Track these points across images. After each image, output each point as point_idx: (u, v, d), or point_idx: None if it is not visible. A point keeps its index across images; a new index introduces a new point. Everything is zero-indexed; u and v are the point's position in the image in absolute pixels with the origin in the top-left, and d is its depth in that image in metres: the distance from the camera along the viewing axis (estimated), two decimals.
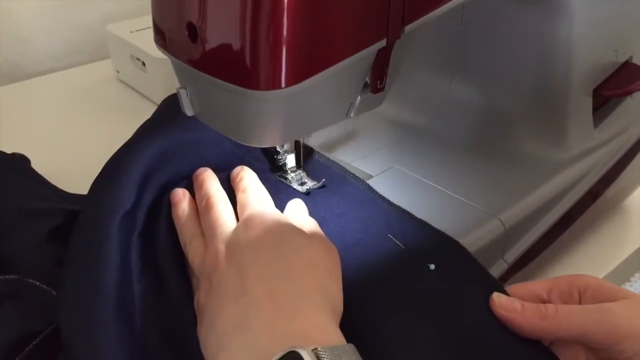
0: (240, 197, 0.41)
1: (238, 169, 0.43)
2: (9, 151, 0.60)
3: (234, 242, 0.36)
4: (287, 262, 0.34)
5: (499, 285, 0.38)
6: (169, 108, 0.47)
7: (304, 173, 0.46)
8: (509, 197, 0.46)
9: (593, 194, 0.53)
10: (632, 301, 0.33)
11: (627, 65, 0.54)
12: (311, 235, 0.37)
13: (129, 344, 0.35)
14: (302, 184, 0.45)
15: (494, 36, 0.50)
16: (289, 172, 0.46)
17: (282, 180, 0.45)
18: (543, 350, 0.35)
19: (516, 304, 0.34)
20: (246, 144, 0.38)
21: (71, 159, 0.66)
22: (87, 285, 0.36)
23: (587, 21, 0.47)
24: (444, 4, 0.36)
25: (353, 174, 0.46)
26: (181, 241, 0.40)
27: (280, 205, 0.41)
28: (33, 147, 0.66)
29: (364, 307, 0.36)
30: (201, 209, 0.40)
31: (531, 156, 0.50)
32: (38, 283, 0.41)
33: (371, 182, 0.46)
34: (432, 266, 0.38)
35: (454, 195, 0.46)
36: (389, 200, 0.43)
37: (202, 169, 0.44)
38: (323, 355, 0.28)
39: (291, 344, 0.28)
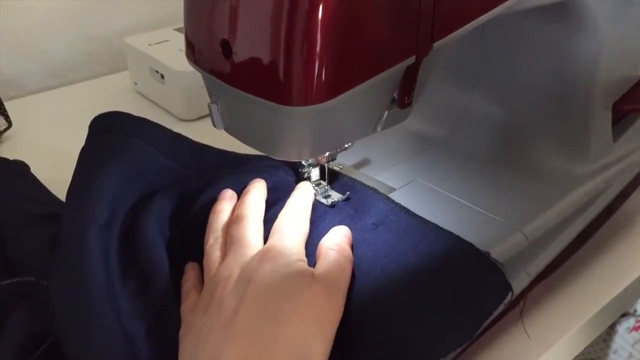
0: (280, 214, 0.42)
1: (300, 185, 0.45)
2: (27, 162, 0.61)
3: (246, 270, 0.38)
4: (278, 304, 0.35)
5: None
6: (109, 133, 0.48)
7: (329, 186, 0.46)
8: (531, 210, 0.46)
9: (612, 207, 0.53)
10: None
11: None
12: (318, 277, 0.37)
13: (117, 340, 0.37)
14: (327, 196, 0.45)
15: (514, 50, 0.50)
16: (314, 185, 0.46)
17: None
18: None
19: None
20: (275, 158, 0.38)
21: None
22: (75, 292, 0.39)
23: (607, 37, 0.48)
24: (471, 21, 0.36)
25: (376, 189, 0.47)
26: (206, 236, 0.42)
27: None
28: (50, 158, 0.66)
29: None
30: (233, 218, 0.42)
31: (551, 170, 0.50)
32: None
33: (394, 195, 0.47)
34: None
35: (477, 208, 0.46)
36: (413, 213, 0.44)
37: (258, 179, 0.45)
38: None
39: None
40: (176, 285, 0.41)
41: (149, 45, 0.79)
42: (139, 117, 0.49)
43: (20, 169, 0.60)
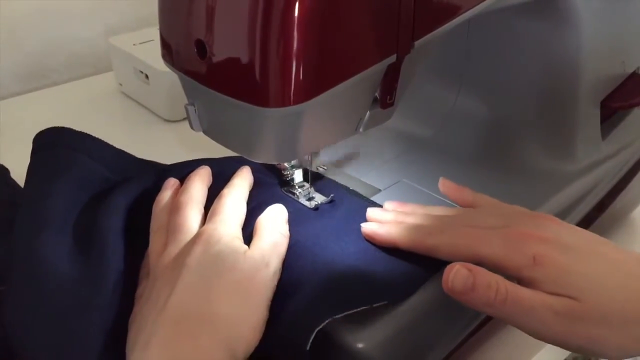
0: (215, 202, 0.42)
1: (240, 169, 0.45)
2: (10, 165, 0.60)
3: (181, 255, 0.38)
4: (209, 285, 0.36)
5: None
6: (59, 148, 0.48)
7: (312, 188, 0.46)
8: None
9: (601, 206, 0.53)
10: None
11: (634, 76, 0.53)
12: (249, 253, 0.38)
13: (75, 337, 0.36)
14: (310, 199, 0.45)
15: (500, 49, 0.49)
16: (297, 187, 0.45)
17: (290, 195, 0.45)
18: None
19: (468, 281, 0.33)
20: (255, 161, 0.37)
21: None
22: (30, 294, 0.38)
23: (594, 33, 0.47)
24: (453, 19, 0.36)
25: (358, 193, 0.46)
26: (151, 226, 0.43)
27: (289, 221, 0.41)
28: None
29: None
30: (172, 206, 0.42)
31: (539, 169, 0.50)
32: None
33: (379, 196, 0.46)
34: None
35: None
36: None
37: (202, 166, 0.46)
38: None
39: None
40: (134, 275, 0.41)
41: (134, 45, 0.78)
42: (83, 132, 0.49)
43: None
